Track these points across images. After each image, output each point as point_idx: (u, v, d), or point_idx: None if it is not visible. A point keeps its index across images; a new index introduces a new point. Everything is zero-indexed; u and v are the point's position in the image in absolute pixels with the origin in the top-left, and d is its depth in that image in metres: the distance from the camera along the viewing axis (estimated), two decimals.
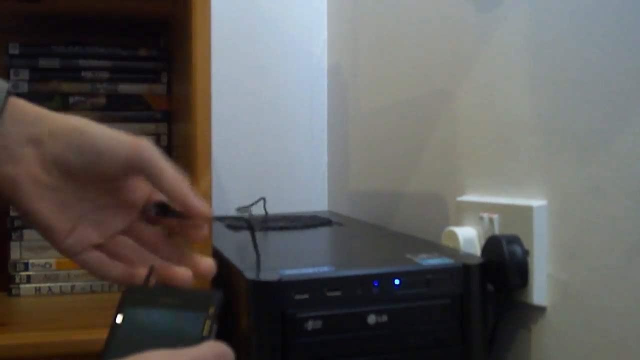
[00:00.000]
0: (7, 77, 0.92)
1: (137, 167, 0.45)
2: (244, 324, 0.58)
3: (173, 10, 0.88)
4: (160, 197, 0.48)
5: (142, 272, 0.48)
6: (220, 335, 0.44)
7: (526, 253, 0.64)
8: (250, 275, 0.58)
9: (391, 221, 1.00)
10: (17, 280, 0.91)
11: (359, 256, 0.74)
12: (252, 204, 0.96)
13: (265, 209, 1.08)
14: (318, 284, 0.57)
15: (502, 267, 0.64)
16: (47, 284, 0.91)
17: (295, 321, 0.56)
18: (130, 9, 0.94)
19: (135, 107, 0.98)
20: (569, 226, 0.61)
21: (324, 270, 0.59)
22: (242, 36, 1.27)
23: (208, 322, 0.43)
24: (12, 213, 0.92)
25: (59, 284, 0.92)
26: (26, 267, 0.91)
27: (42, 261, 0.91)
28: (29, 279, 0.91)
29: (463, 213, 0.76)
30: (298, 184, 1.29)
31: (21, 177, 0.44)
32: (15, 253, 0.91)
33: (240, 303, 0.59)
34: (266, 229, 0.90)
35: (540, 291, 0.64)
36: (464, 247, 0.72)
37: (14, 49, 0.93)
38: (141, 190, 0.48)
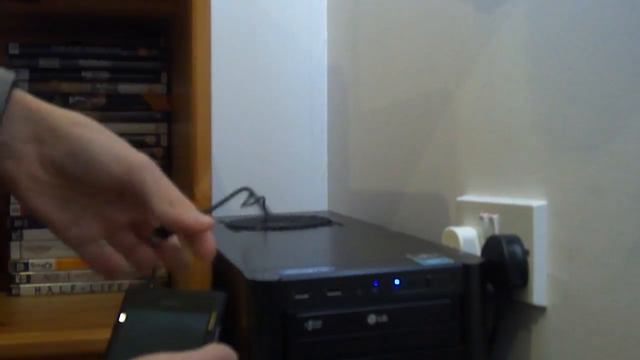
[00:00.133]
0: None
1: (128, 190, 0.45)
2: (243, 324, 0.58)
3: (173, 10, 0.88)
4: None
5: (144, 268, 0.48)
6: (220, 336, 0.44)
7: (526, 253, 0.64)
8: (250, 275, 0.58)
9: (391, 221, 1.00)
10: (17, 280, 0.91)
11: (359, 256, 0.74)
12: (253, 203, 0.96)
13: (265, 209, 1.08)
14: (318, 284, 0.57)
15: (502, 267, 0.64)
16: (47, 284, 0.91)
17: (295, 321, 0.56)
18: (130, 9, 0.94)
19: (135, 107, 0.98)
20: (568, 226, 0.61)
21: (324, 270, 0.59)
22: (242, 36, 1.26)
23: (211, 324, 0.43)
24: (12, 213, 0.92)
25: (59, 284, 0.92)
26: (26, 267, 0.91)
27: (42, 261, 0.91)
28: (29, 279, 0.91)
29: (463, 213, 0.76)
30: (298, 184, 1.29)
31: (21, 174, 0.44)
32: (15, 253, 0.91)
33: (240, 303, 0.59)
34: (266, 229, 0.90)
35: (540, 291, 0.64)
36: (464, 247, 0.72)
37: (14, 49, 0.93)
38: None
